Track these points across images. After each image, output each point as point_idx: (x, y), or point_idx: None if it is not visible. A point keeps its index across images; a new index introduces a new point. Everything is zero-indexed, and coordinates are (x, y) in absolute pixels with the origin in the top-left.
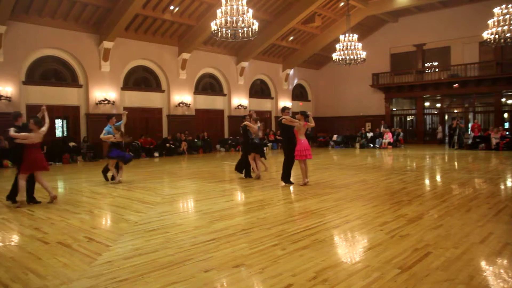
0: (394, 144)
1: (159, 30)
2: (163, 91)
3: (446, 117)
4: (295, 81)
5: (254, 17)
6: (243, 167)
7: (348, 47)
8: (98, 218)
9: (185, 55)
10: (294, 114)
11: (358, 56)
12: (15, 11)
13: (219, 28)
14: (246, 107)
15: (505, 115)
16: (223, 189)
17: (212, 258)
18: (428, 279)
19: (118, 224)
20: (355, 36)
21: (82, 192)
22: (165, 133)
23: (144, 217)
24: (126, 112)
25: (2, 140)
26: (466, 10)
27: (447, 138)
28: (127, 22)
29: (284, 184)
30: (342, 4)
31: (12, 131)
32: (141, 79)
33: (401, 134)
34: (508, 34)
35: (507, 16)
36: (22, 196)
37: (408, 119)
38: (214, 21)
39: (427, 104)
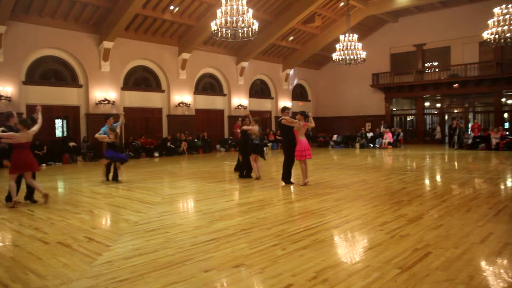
0: (394, 144)
1: (159, 30)
2: (163, 91)
3: (446, 117)
4: (295, 81)
5: (254, 17)
6: (243, 168)
7: (348, 47)
8: (98, 218)
9: (185, 55)
10: (294, 114)
11: (358, 56)
12: (15, 11)
13: (219, 28)
14: (246, 107)
15: (505, 115)
16: (223, 189)
17: (212, 258)
18: (428, 279)
19: (118, 224)
20: (355, 36)
21: (82, 192)
22: (165, 133)
23: (144, 217)
24: (123, 113)
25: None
26: (466, 10)
27: (447, 138)
28: (127, 22)
29: (284, 184)
30: (342, 4)
31: None
32: (141, 79)
33: (401, 134)
34: (508, 34)
35: (507, 16)
36: (14, 196)
37: (408, 119)
38: (214, 21)
39: (427, 104)
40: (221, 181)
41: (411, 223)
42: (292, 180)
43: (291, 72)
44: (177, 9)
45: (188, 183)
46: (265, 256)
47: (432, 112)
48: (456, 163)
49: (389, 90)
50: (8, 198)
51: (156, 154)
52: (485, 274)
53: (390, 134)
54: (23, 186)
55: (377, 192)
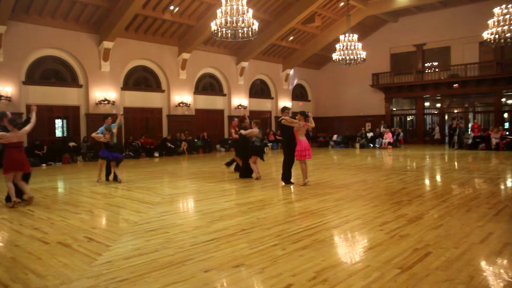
0: (394, 144)
1: (159, 30)
2: (163, 91)
3: (446, 117)
4: (295, 81)
5: (254, 17)
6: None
7: (348, 47)
8: (98, 218)
9: (185, 55)
10: (294, 114)
11: (358, 56)
12: (15, 11)
13: (219, 28)
14: (246, 107)
15: (505, 115)
16: (223, 189)
17: (212, 258)
18: (428, 279)
19: (118, 224)
20: (355, 36)
21: (82, 192)
22: (165, 133)
23: (144, 217)
24: (121, 113)
25: None
26: (466, 10)
27: (447, 138)
28: (127, 22)
29: (284, 184)
30: (342, 4)
31: None
32: (141, 79)
33: (401, 134)
34: (508, 34)
35: (507, 16)
36: (13, 196)
37: (408, 119)
38: (214, 21)
39: (427, 104)
40: (221, 181)
41: (411, 223)
42: (292, 180)
43: (291, 72)
44: (177, 9)
45: (188, 183)
46: (265, 256)
47: (432, 112)
48: (456, 163)
49: (389, 90)
50: (8, 198)
51: (156, 154)
52: (485, 274)
53: (390, 134)
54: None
55: (377, 192)
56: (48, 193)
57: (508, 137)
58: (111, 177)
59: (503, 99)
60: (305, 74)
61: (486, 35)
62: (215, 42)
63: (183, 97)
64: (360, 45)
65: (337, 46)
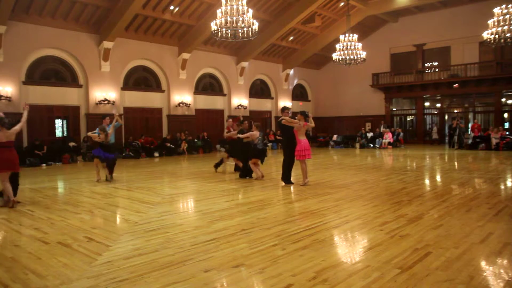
0: (394, 144)
1: (159, 30)
2: (163, 91)
3: (446, 117)
4: (295, 81)
5: (254, 17)
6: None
7: (348, 47)
8: (98, 218)
9: (185, 55)
10: (294, 114)
11: (358, 56)
12: (15, 11)
13: (219, 28)
14: (246, 107)
15: (505, 115)
16: (223, 189)
17: (212, 258)
18: (428, 279)
19: (118, 224)
20: (355, 36)
21: (82, 192)
22: (165, 133)
23: (144, 217)
24: (117, 113)
25: None
26: (466, 10)
27: (446, 138)
28: (127, 22)
29: (284, 184)
30: (342, 4)
31: None
32: (141, 79)
33: (401, 134)
34: (508, 34)
35: (507, 16)
36: (11, 196)
37: (408, 119)
38: (214, 21)
39: (427, 104)
40: (221, 181)
41: (411, 223)
42: (292, 180)
43: (291, 72)
44: (177, 9)
45: (188, 183)
46: (265, 256)
47: (432, 112)
48: (456, 163)
49: (389, 90)
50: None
51: (156, 154)
52: (485, 274)
53: (390, 134)
54: (21, 186)
55: (377, 192)
56: (48, 193)
57: (508, 137)
58: (103, 176)
59: (503, 99)
60: (305, 74)
61: (486, 35)
62: (215, 42)
63: (183, 97)
64: (360, 45)
65: (337, 46)
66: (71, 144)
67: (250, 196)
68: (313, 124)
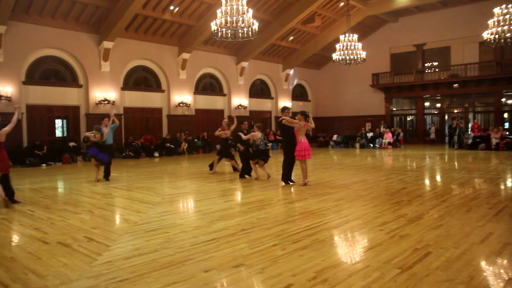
0: (394, 144)
1: (159, 30)
2: (163, 91)
3: (446, 117)
4: (295, 81)
5: (254, 17)
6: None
7: (348, 47)
8: (98, 218)
9: (185, 55)
10: (294, 114)
11: (358, 56)
12: (15, 11)
13: (219, 28)
14: (246, 107)
15: (505, 115)
16: (223, 189)
17: (212, 258)
18: (428, 279)
19: (118, 224)
20: (355, 36)
21: (82, 192)
22: (165, 133)
23: (144, 217)
24: (113, 114)
25: None
26: (466, 10)
27: (446, 138)
28: (127, 22)
29: (284, 184)
30: (342, 4)
31: None
32: (141, 79)
33: (401, 134)
34: (508, 34)
35: (507, 16)
36: (1, 195)
37: (408, 119)
38: (214, 21)
39: (427, 104)
40: (221, 181)
41: (411, 223)
42: (292, 180)
43: (291, 72)
44: (177, 9)
45: (188, 183)
46: (265, 256)
47: (432, 112)
48: (456, 163)
49: (389, 90)
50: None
51: (156, 154)
52: (485, 274)
53: (390, 134)
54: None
55: (377, 192)
56: (48, 193)
57: (508, 137)
58: (101, 176)
59: (503, 99)
60: (305, 74)
61: (486, 35)
62: (215, 42)
63: (183, 97)
64: (360, 45)
65: (337, 46)
66: (71, 144)
67: (250, 196)
68: (313, 125)
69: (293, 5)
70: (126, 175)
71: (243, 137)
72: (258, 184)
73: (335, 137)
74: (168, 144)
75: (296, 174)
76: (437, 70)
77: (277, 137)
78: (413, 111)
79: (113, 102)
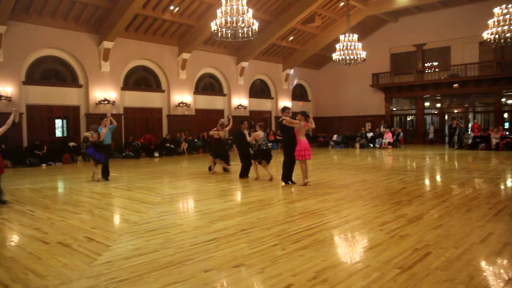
0: (394, 144)
1: (159, 30)
2: (163, 91)
3: (446, 117)
4: (295, 81)
5: (254, 17)
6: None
7: (348, 47)
8: (98, 218)
9: (185, 55)
10: (294, 115)
11: (358, 56)
12: (15, 11)
13: (219, 28)
14: (246, 107)
15: (505, 115)
16: (223, 189)
17: (212, 258)
18: (428, 279)
19: (118, 224)
20: (355, 36)
21: (82, 192)
22: (165, 133)
23: (144, 217)
24: (109, 114)
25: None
26: (466, 10)
27: (446, 138)
28: (127, 22)
29: (284, 184)
30: (342, 4)
31: None
32: (141, 79)
33: (401, 134)
34: (508, 34)
35: (507, 16)
36: None
37: (408, 119)
38: (214, 21)
39: (427, 104)
40: (221, 181)
41: (411, 223)
42: (292, 180)
43: (291, 72)
44: (177, 9)
45: (188, 183)
46: (265, 256)
47: (432, 112)
48: (456, 163)
49: (389, 90)
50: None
51: (156, 154)
52: (485, 274)
53: (390, 134)
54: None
55: (377, 192)
56: (48, 193)
57: (508, 137)
58: (97, 176)
59: (503, 99)
60: (305, 74)
61: (486, 35)
62: (215, 42)
63: (183, 97)
64: (360, 45)
65: (337, 46)
66: (71, 144)
67: (250, 196)
68: (313, 125)
69: (293, 5)
70: (126, 175)
71: (248, 139)
72: (258, 184)
73: (335, 137)
74: (168, 144)
75: (296, 174)
76: (437, 70)
77: (277, 137)
78: (413, 111)
79: (113, 102)
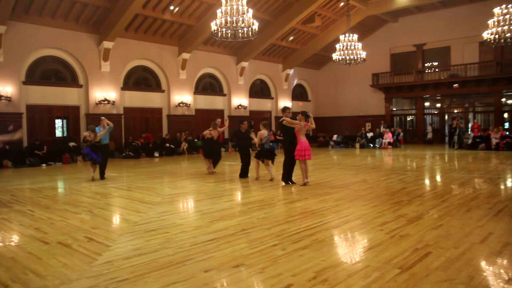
0: (394, 144)
1: (159, 30)
2: (163, 91)
3: (446, 117)
4: (295, 81)
5: (254, 17)
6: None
7: (348, 47)
8: (98, 218)
9: (185, 55)
10: (294, 115)
11: (358, 56)
12: (15, 11)
13: (219, 28)
14: (246, 107)
15: (505, 115)
16: (223, 189)
17: (212, 258)
18: (428, 279)
19: (118, 224)
20: (355, 36)
21: (82, 192)
22: (165, 133)
23: (144, 217)
24: (103, 118)
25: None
26: (466, 10)
27: (446, 138)
28: (127, 22)
29: (284, 184)
30: (342, 4)
31: None
32: (141, 79)
33: (401, 134)
34: (508, 34)
35: (507, 16)
36: None
37: (408, 119)
38: (214, 21)
39: (427, 104)
40: (221, 181)
41: (411, 223)
42: (292, 180)
43: (291, 72)
44: (177, 9)
45: (188, 183)
46: (265, 256)
47: (432, 112)
48: (456, 163)
49: (389, 90)
50: None
51: (156, 154)
52: (485, 274)
53: (390, 134)
54: (21, 186)
55: (377, 192)
56: (48, 193)
57: (508, 137)
58: (96, 176)
59: (503, 99)
60: (305, 74)
61: (486, 35)
62: (215, 42)
63: (183, 97)
64: (360, 45)
65: (337, 46)
66: (71, 144)
67: (250, 196)
68: (313, 126)
69: (293, 5)
70: (126, 175)
71: (254, 140)
72: (258, 184)
73: (335, 137)
74: (168, 144)
75: (296, 174)
76: (437, 70)
77: (277, 137)
78: (413, 111)
79: (113, 102)
